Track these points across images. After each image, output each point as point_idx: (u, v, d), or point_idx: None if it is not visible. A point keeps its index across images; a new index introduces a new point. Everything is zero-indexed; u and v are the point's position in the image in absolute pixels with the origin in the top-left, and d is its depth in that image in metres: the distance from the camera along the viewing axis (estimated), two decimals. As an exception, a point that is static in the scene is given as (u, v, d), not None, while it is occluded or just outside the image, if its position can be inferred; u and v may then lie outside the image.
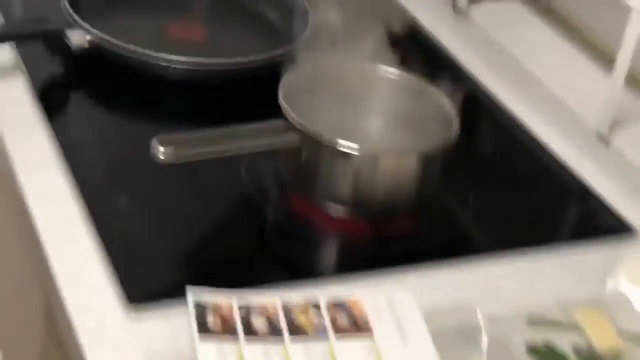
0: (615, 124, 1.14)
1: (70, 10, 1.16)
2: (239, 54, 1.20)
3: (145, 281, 0.90)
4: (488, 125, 1.24)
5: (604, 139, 1.14)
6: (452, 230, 1.02)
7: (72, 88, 1.16)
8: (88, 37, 1.14)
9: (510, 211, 1.07)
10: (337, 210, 0.99)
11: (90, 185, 0.99)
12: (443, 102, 1.04)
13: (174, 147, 0.90)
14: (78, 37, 1.15)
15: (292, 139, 0.98)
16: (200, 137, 0.93)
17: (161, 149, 0.89)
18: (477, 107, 1.24)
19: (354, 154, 0.96)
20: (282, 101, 0.99)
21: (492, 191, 1.10)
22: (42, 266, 0.93)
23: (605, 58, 1.28)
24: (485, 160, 1.16)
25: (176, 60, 1.14)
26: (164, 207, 1.00)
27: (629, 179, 1.12)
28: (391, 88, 1.08)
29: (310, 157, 0.98)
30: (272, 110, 1.13)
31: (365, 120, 1.09)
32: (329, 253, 1.01)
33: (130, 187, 1.01)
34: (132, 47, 1.13)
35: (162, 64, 1.14)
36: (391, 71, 1.08)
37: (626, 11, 1.10)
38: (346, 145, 0.96)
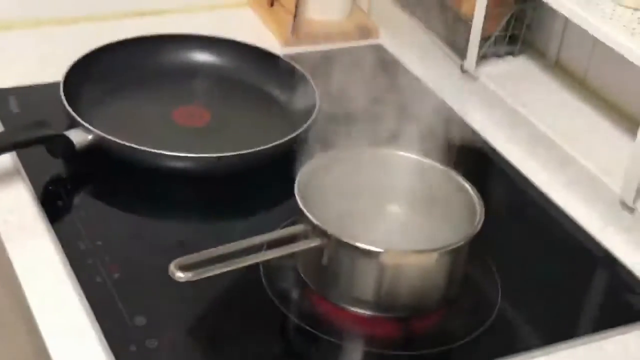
0: (640, 191, 1.10)
1: (70, 110, 1.13)
2: (245, 139, 1.17)
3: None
4: (507, 194, 1.20)
5: (628, 208, 1.10)
6: (482, 325, 0.98)
7: (75, 189, 1.11)
8: (90, 137, 1.10)
9: (539, 297, 1.03)
10: (362, 311, 0.96)
11: (102, 299, 0.95)
12: (464, 186, 1.01)
13: (193, 271, 0.86)
14: (80, 137, 1.11)
15: (313, 242, 0.94)
16: (219, 256, 0.89)
17: (180, 275, 0.85)
18: (494, 174, 1.21)
19: (378, 255, 0.93)
20: (300, 202, 0.95)
21: (520, 273, 1.05)
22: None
23: (613, 112, 1.25)
24: (508, 235, 1.12)
25: (181, 157, 1.10)
26: (184, 320, 0.95)
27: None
28: (409, 173, 1.04)
29: (332, 259, 0.95)
30: (283, 195, 1.11)
31: (385, 209, 1.05)
32: (357, 357, 0.97)
33: (147, 299, 0.97)
34: (134, 145, 1.09)
35: (168, 159, 1.10)
36: (411, 157, 1.04)
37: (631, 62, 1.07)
38: (369, 247, 0.93)
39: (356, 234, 0.94)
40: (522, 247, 1.11)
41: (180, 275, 0.86)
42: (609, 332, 0.99)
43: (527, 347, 0.96)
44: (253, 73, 1.30)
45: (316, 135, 1.19)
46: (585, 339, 0.98)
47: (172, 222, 1.10)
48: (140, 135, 1.13)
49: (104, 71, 1.25)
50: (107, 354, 0.90)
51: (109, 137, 1.10)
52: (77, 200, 1.10)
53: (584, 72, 1.30)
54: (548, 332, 0.98)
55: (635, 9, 1.10)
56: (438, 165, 1.03)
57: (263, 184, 1.14)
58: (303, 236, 0.95)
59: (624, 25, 1.07)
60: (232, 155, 1.11)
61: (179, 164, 1.11)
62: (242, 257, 0.91)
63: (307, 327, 0.96)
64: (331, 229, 0.93)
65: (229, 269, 0.89)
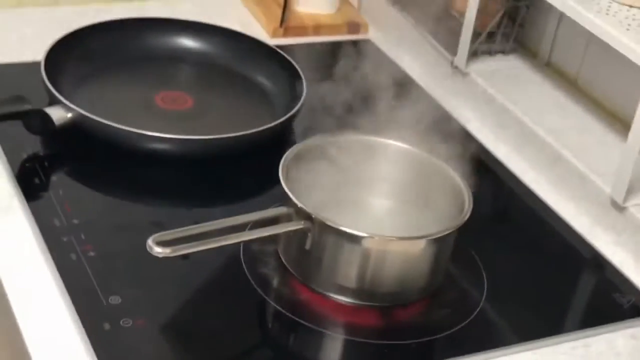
0: (630, 191, 1.08)
1: (50, 86, 1.10)
2: (228, 124, 1.14)
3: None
4: (495, 192, 1.18)
5: (618, 207, 1.08)
6: (466, 317, 0.95)
7: (53, 167, 1.08)
8: (69, 115, 1.08)
9: (525, 293, 1.00)
10: (344, 299, 0.93)
11: (76, 277, 0.92)
12: (453, 177, 0.99)
13: (171, 247, 0.83)
14: (59, 114, 1.08)
15: (296, 225, 0.91)
16: (199, 233, 0.86)
17: (159, 250, 0.83)
18: (482, 172, 1.19)
19: (363, 240, 0.90)
20: (284, 184, 0.93)
21: (506, 269, 1.03)
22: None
23: (604, 113, 1.24)
24: (495, 231, 1.10)
25: (163, 138, 1.08)
26: (160, 301, 0.92)
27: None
28: (397, 163, 1.02)
29: (315, 243, 0.92)
30: (266, 183, 1.09)
31: (371, 198, 1.03)
32: (337, 345, 0.94)
33: (122, 279, 0.94)
34: (115, 124, 1.06)
35: (149, 140, 1.07)
36: (399, 146, 1.02)
37: (623, 62, 1.05)
38: (354, 231, 0.90)
39: (341, 220, 0.92)
40: (509, 244, 1.08)
41: (158, 251, 0.83)
42: (595, 330, 0.96)
43: (510, 342, 0.94)
44: (239, 60, 1.27)
45: (302, 125, 1.18)
46: (571, 335, 0.96)
47: (150, 203, 1.07)
48: (121, 116, 1.10)
49: (88, 52, 1.22)
50: (80, 332, 0.87)
51: (90, 115, 1.07)
52: (54, 178, 1.07)
53: (575, 73, 1.28)
54: (533, 327, 0.96)
55: (631, 6, 1.08)
56: (427, 155, 1.01)
57: (247, 171, 1.12)
58: (286, 219, 0.92)
59: (620, 21, 1.06)
60: (214, 139, 1.08)
61: (160, 146, 1.08)
62: (223, 236, 0.88)
63: (287, 314, 0.93)
64: (315, 212, 0.91)
65: (208, 247, 0.86)
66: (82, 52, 1.21)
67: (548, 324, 0.96)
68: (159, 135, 1.07)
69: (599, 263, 1.07)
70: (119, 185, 1.08)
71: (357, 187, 1.02)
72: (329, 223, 0.90)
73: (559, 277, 1.04)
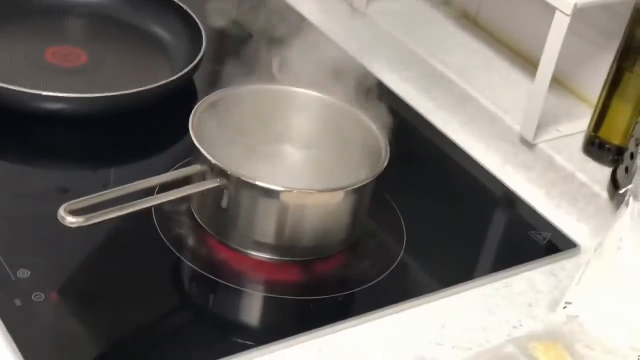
0: (540, 127, 1.08)
1: None
2: (126, 80, 1.09)
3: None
4: (405, 134, 1.16)
5: (528, 144, 1.08)
6: (387, 268, 0.94)
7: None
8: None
9: (443, 237, 1.00)
10: (263, 255, 0.91)
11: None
12: (369, 126, 0.97)
13: (84, 215, 0.78)
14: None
15: (211, 183, 0.88)
16: (111, 199, 0.82)
17: (71, 219, 0.78)
18: (390, 115, 1.17)
19: (280, 194, 0.88)
20: (195, 141, 0.89)
21: (423, 214, 1.02)
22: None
23: (507, 50, 1.23)
24: (408, 174, 1.08)
25: (57, 97, 1.02)
26: (71, 271, 0.88)
27: (558, 185, 1.07)
28: (308, 111, 0.99)
29: (232, 201, 0.89)
30: (170, 139, 1.06)
31: (286, 150, 1.00)
32: (258, 303, 0.92)
33: (30, 250, 0.89)
34: (4, 84, 1.00)
35: (43, 100, 1.01)
36: (310, 94, 0.99)
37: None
38: (271, 186, 0.87)
39: (256, 174, 0.89)
40: (423, 188, 1.07)
41: (71, 220, 0.78)
42: (515, 270, 0.96)
43: (434, 288, 0.93)
44: (133, 11, 1.21)
45: (202, 77, 1.14)
46: (491, 277, 0.95)
47: (52, 168, 1.02)
48: (10, 75, 1.04)
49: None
50: (-11, 310, 0.82)
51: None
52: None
53: (475, 10, 1.27)
54: (453, 272, 0.95)
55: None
56: (338, 101, 0.99)
57: (149, 128, 1.07)
58: (200, 177, 0.89)
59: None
60: (113, 96, 1.03)
61: (55, 106, 1.03)
62: (135, 200, 0.84)
63: (205, 274, 0.90)
64: (230, 168, 0.87)
65: (123, 213, 0.82)
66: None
67: (469, 267, 0.96)
68: (53, 94, 1.01)
69: (513, 201, 1.07)
70: (16, 149, 1.02)
71: (270, 139, 0.99)
72: (245, 179, 0.87)
73: (475, 218, 1.03)
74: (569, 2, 0.99)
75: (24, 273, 0.85)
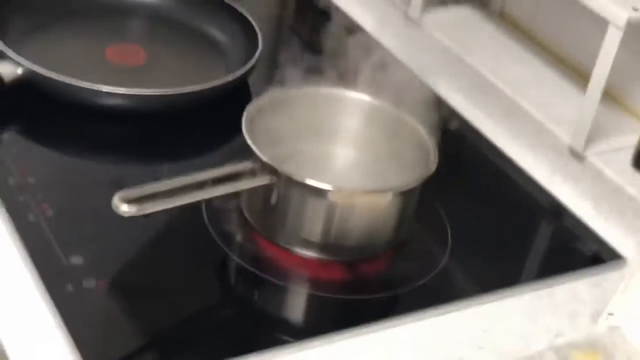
0: (590, 140, 1.09)
1: (-3, 40, 1.06)
2: (183, 79, 1.11)
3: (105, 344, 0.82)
4: (454, 143, 1.17)
5: (578, 156, 1.09)
6: (431, 270, 0.95)
7: (5, 125, 1.05)
8: (19, 70, 1.04)
9: (489, 244, 1.00)
10: (309, 254, 0.92)
11: (35, 238, 0.89)
12: (419, 130, 0.98)
13: (138, 204, 0.81)
14: (8, 70, 1.04)
15: (261, 180, 0.90)
16: (165, 191, 0.84)
17: (125, 207, 0.80)
18: (440, 123, 1.18)
19: (329, 193, 0.89)
20: (248, 139, 0.91)
21: (469, 221, 1.03)
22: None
23: (559, 63, 1.24)
24: (456, 182, 1.09)
25: (117, 93, 1.04)
26: (122, 260, 0.90)
27: (606, 198, 1.07)
28: (359, 115, 1.01)
29: (280, 198, 0.91)
30: (224, 138, 1.08)
31: (336, 152, 1.01)
32: (302, 301, 0.93)
33: (83, 238, 0.91)
34: (68, 80, 1.03)
35: (104, 96, 1.04)
36: (362, 98, 1.01)
37: (579, 13, 1.04)
38: (320, 184, 0.89)
39: (306, 174, 0.90)
40: (470, 195, 1.08)
41: (125, 209, 0.80)
42: (558, 279, 0.97)
43: (476, 293, 0.93)
44: (191, 13, 1.24)
45: (256, 78, 1.16)
46: (534, 285, 0.96)
47: (107, 161, 1.04)
48: (72, 70, 1.06)
49: (33, 3, 1.17)
50: (43, 294, 0.85)
51: (41, 71, 1.03)
52: (6, 136, 1.04)
53: (529, 23, 1.28)
54: (496, 278, 0.96)
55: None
56: (388, 106, 1.00)
57: (203, 126, 1.09)
58: (250, 174, 0.90)
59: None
60: (170, 94, 1.05)
61: (115, 101, 1.05)
62: (187, 193, 0.86)
63: (252, 270, 0.91)
64: (281, 167, 0.89)
65: (175, 204, 0.84)
66: (26, 4, 1.16)
67: (512, 274, 0.97)
68: (114, 90, 1.04)
69: (560, 212, 1.07)
70: (74, 142, 1.05)
71: (319, 140, 1.01)
72: (294, 177, 0.88)
73: (520, 227, 1.04)
74: (622, 16, 1.00)
75: (77, 259, 0.88)
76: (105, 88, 1.03)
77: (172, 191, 0.85)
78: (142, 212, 0.81)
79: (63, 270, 0.87)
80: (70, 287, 0.85)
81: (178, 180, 0.86)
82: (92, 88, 1.03)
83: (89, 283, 0.86)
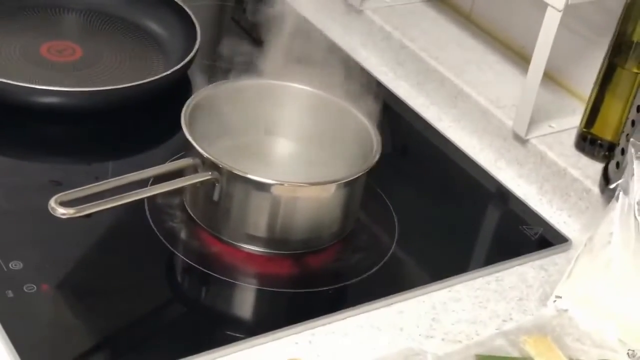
0: (532, 123, 1.09)
1: None
2: (121, 75, 1.10)
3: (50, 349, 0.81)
4: (398, 130, 1.17)
5: (521, 140, 1.09)
6: (379, 261, 0.94)
7: None
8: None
9: (436, 231, 1.00)
10: (255, 249, 0.91)
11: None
12: (362, 120, 0.97)
13: (75, 207, 0.79)
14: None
15: (203, 176, 0.88)
16: (102, 191, 0.82)
17: (62, 210, 0.78)
18: (383, 110, 1.17)
19: (271, 188, 0.88)
20: (187, 134, 0.89)
21: (416, 208, 1.03)
22: None
23: (500, 46, 1.24)
24: (400, 169, 1.09)
25: (53, 91, 1.02)
26: (64, 263, 0.88)
27: (550, 181, 1.07)
28: (300, 105, 1.00)
29: (224, 194, 0.89)
30: (164, 134, 1.06)
31: (280, 144, 1.00)
32: (251, 296, 0.92)
33: (22, 242, 0.89)
34: (2, 79, 1.00)
35: (40, 94, 1.02)
36: (305, 89, 1.00)
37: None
38: (262, 179, 0.88)
39: (248, 168, 0.89)
40: (415, 182, 1.08)
41: (61, 212, 0.79)
42: (506, 264, 0.97)
43: (425, 281, 0.93)
44: (127, 7, 1.22)
45: (201, 72, 1.14)
46: (482, 271, 0.96)
47: (47, 162, 1.02)
48: (6, 69, 1.05)
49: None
50: (-19, 302, 0.83)
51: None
52: None
53: (470, 7, 1.28)
54: (444, 266, 0.95)
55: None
56: (329, 96, 0.99)
57: (142, 122, 1.08)
58: (192, 170, 0.89)
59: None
60: (108, 90, 1.04)
61: (51, 99, 1.03)
62: (127, 192, 0.84)
63: (198, 267, 0.90)
64: (222, 161, 0.88)
65: (114, 205, 0.82)
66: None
67: (460, 261, 0.96)
68: (49, 88, 1.02)
69: (505, 196, 1.07)
70: (11, 143, 1.02)
71: (261, 133, 1.00)
72: (237, 172, 0.87)
73: (467, 212, 1.04)
74: (560, -2, 1.00)
75: (16, 265, 0.86)
76: (40, 86, 1.01)
77: (111, 191, 0.83)
78: (79, 214, 0.80)
79: (3, 276, 0.85)
80: (10, 293, 0.83)
81: (117, 180, 0.85)
82: (27, 86, 1.01)
83: (30, 288, 0.84)
